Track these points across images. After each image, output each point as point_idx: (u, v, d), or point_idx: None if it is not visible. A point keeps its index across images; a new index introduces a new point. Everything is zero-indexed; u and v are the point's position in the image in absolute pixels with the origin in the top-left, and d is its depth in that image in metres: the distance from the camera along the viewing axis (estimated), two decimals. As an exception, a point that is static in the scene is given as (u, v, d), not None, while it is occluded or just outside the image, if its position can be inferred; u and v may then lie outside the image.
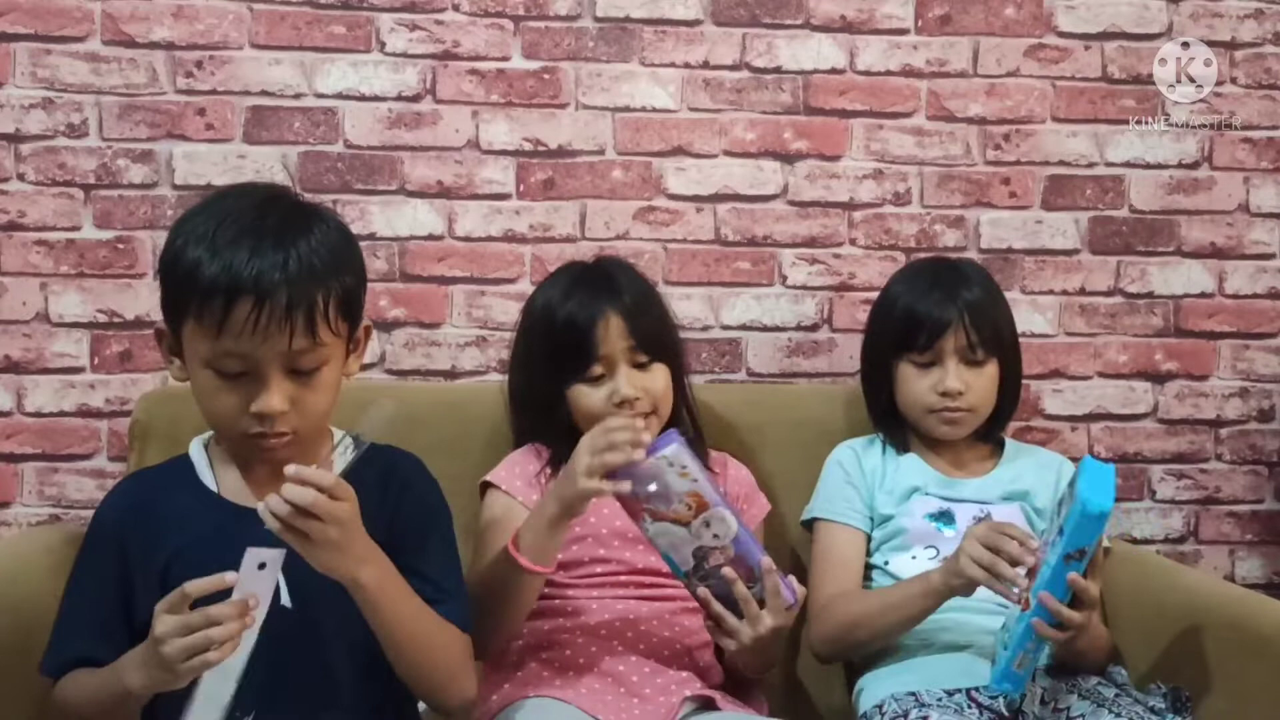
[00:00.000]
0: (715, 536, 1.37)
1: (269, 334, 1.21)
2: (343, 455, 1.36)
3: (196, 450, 1.38)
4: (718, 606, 1.39)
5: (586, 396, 1.59)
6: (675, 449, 1.36)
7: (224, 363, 1.23)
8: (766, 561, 1.39)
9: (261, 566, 1.13)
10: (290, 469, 1.15)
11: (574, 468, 1.38)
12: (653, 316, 1.63)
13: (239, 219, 1.24)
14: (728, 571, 1.38)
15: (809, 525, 1.73)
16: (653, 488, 1.36)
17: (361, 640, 1.25)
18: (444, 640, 1.31)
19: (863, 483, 1.70)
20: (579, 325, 1.58)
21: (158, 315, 1.32)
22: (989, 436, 1.76)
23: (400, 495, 1.37)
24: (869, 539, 1.69)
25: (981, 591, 1.55)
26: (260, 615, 1.13)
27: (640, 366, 1.60)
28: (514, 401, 1.71)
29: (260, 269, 1.20)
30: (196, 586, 1.11)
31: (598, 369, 1.58)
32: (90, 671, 1.25)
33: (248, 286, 1.20)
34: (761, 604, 1.38)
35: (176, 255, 1.24)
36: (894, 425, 1.75)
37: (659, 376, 1.61)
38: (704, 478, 1.38)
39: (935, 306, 1.68)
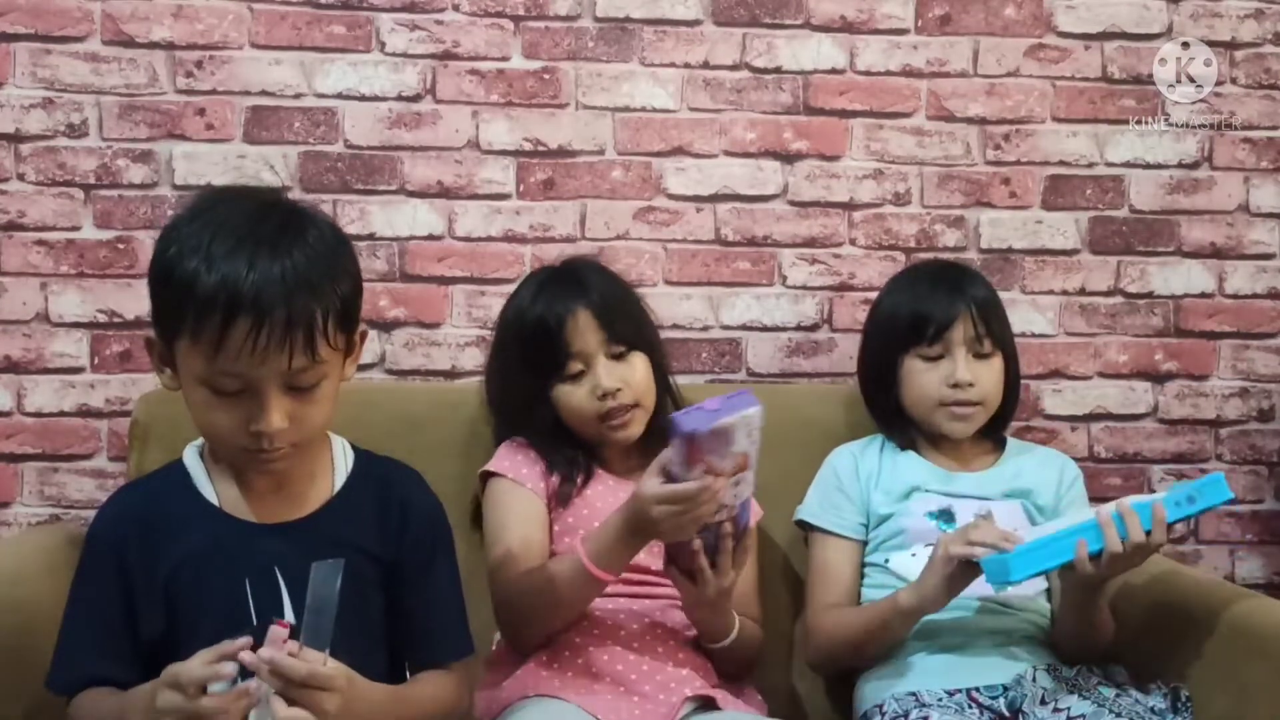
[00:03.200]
0: (735, 496, 1.37)
1: (268, 355, 1.17)
2: (342, 461, 1.36)
3: (192, 459, 1.34)
4: (703, 561, 1.40)
5: (570, 395, 1.60)
6: (758, 411, 1.31)
7: (220, 381, 1.20)
8: (751, 526, 1.43)
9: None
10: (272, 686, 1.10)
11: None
12: (624, 309, 1.64)
13: (235, 228, 1.20)
14: (727, 527, 1.39)
15: (802, 524, 1.73)
16: (723, 445, 1.31)
17: (360, 665, 1.22)
18: (434, 703, 1.33)
19: (856, 489, 1.70)
20: (549, 325, 1.59)
21: (157, 316, 1.30)
22: (991, 435, 1.76)
23: (404, 514, 1.35)
24: (864, 545, 1.69)
25: (981, 590, 1.55)
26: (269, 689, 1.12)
27: (617, 357, 1.60)
28: (493, 407, 1.73)
29: (258, 283, 1.16)
30: (208, 685, 1.09)
31: (575, 365, 1.59)
32: (104, 693, 1.24)
33: (246, 304, 1.15)
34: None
35: (169, 265, 1.20)
36: (898, 425, 1.75)
37: (638, 366, 1.62)
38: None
39: (943, 299, 1.69)
